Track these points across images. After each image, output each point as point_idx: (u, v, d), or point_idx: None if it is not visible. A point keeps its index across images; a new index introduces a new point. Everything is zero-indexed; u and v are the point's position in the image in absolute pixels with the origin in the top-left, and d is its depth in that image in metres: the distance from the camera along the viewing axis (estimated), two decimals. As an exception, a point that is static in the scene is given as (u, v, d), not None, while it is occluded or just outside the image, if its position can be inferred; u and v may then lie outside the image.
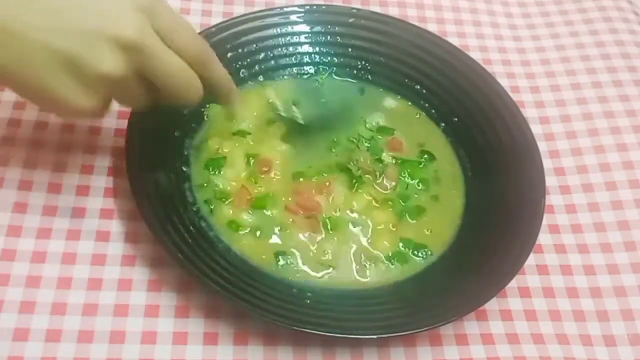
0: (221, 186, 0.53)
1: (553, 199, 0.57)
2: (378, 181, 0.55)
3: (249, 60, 0.61)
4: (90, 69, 0.39)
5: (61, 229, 0.49)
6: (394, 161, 0.57)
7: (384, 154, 0.57)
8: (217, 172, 0.53)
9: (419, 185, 0.56)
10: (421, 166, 0.57)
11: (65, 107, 0.41)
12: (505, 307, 0.50)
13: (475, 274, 0.50)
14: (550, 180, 0.58)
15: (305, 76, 0.62)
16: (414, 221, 0.54)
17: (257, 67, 0.61)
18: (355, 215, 0.53)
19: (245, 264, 0.49)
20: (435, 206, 0.55)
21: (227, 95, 0.49)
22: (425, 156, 0.58)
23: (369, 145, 0.57)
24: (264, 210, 0.52)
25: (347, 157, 0.56)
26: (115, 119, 0.56)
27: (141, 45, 0.40)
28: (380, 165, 0.56)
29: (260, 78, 0.61)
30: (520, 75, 0.67)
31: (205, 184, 0.53)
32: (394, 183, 0.55)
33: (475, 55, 0.66)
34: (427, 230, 0.53)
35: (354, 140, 0.58)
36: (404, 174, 0.56)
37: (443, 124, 0.60)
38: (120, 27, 0.39)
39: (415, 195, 0.55)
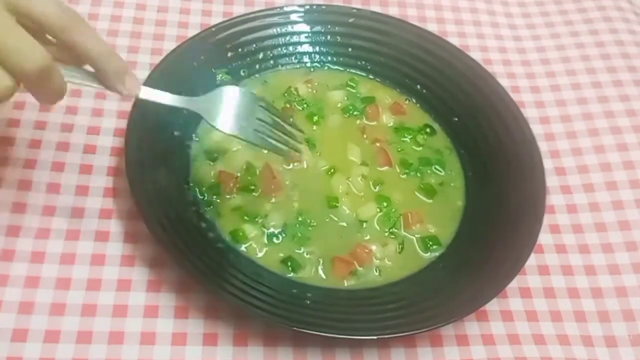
0: (213, 179, 0.53)
1: (554, 199, 0.57)
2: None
3: (248, 60, 0.61)
4: None
5: (60, 229, 0.49)
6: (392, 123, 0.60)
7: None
8: (212, 164, 0.54)
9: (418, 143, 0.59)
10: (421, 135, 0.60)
11: None
12: (506, 307, 0.50)
13: (475, 274, 0.49)
14: (551, 180, 0.58)
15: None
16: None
17: (257, 67, 0.61)
18: None
19: (245, 264, 0.49)
20: (435, 199, 0.55)
21: (105, 70, 0.42)
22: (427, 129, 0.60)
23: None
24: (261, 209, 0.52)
25: None
26: (115, 118, 0.56)
27: None
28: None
29: (260, 77, 0.61)
30: (520, 75, 0.67)
31: (201, 178, 0.53)
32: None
33: (475, 55, 0.66)
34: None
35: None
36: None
37: (443, 124, 0.60)
38: None
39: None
